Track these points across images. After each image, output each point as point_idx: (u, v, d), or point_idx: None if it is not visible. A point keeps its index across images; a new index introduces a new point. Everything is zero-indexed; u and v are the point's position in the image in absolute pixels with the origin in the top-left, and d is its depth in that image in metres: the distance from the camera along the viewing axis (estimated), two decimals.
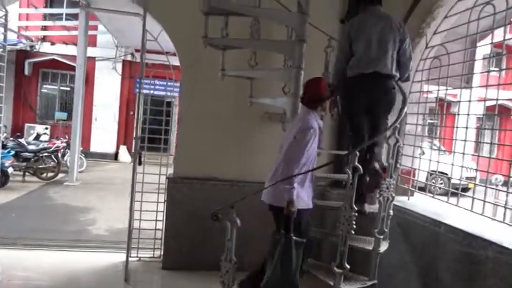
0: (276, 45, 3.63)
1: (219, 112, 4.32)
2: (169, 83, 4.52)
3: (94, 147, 15.40)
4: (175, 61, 4.38)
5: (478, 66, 11.81)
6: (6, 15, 4.28)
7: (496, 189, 6.22)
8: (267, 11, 3.52)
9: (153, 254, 4.49)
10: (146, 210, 4.32)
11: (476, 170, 3.67)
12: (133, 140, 3.87)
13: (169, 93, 4.74)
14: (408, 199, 3.97)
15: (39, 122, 15.23)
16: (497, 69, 13.50)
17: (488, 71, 3.49)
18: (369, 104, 3.25)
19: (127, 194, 4.28)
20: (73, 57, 12.14)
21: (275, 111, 4.17)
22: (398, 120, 2.98)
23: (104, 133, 15.45)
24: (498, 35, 3.31)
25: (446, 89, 3.66)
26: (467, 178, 10.59)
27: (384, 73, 3.21)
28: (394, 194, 3.03)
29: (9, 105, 15.15)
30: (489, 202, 3.05)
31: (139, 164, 3.84)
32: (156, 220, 4.39)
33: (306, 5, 3.30)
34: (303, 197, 2.97)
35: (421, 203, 3.81)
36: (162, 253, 4.40)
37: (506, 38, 3.15)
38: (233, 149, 4.37)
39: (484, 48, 3.27)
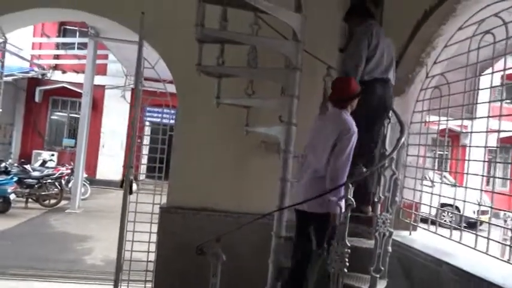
0: (270, 73, 3.56)
1: (214, 141, 4.23)
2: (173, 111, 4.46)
3: (100, 175, 15.39)
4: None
5: (485, 96, 11.67)
6: (5, 43, 4.30)
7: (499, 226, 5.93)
8: (262, 38, 3.47)
9: (145, 286, 4.31)
10: (138, 241, 4.18)
11: (491, 207, 3.48)
12: (127, 168, 3.77)
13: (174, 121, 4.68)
14: (410, 234, 3.78)
15: (47, 148, 15.35)
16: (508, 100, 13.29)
17: (490, 101, 3.37)
18: (377, 108, 3.39)
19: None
20: (83, 85, 12.32)
21: (272, 140, 4.07)
22: (394, 151, 2.85)
23: (111, 160, 15.47)
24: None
25: (447, 120, 3.53)
26: (479, 212, 10.33)
27: (391, 81, 3.48)
28: (391, 230, 2.85)
29: (18, 132, 15.36)
30: (493, 240, 2.85)
31: (130, 193, 3.73)
32: (148, 251, 4.24)
33: (301, 33, 3.24)
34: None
35: (423, 239, 3.62)
36: (153, 286, 4.23)
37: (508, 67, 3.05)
38: (228, 178, 4.25)
39: (489, 78, 3.13)
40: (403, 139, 2.98)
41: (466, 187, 3.34)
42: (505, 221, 6.58)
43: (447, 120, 3.54)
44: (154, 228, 4.23)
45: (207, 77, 3.74)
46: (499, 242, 2.85)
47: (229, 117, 4.11)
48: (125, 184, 3.66)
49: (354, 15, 3.74)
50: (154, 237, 4.23)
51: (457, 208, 10.47)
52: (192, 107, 4.20)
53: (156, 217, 4.26)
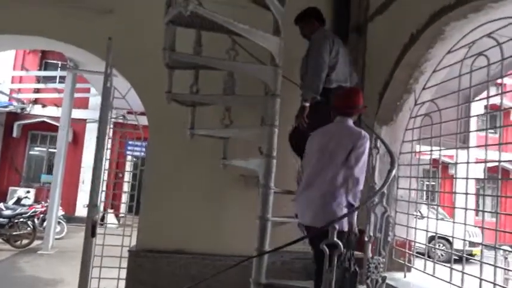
0: (246, 101, 3.29)
1: (188, 176, 3.89)
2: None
3: (79, 212, 14.72)
4: None
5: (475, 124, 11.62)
6: None
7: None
8: (238, 63, 3.22)
9: None
10: None
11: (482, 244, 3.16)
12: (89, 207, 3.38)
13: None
14: (405, 276, 3.42)
15: (24, 185, 14.70)
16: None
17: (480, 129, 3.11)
18: None
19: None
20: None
21: (252, 174, 3.74)
22: (385, 185, 2.54)
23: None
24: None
25: (440, 149, 3.26)
26: (470, 244, 9.98)
27: None
28: (384, 275, 2.51)
29: None
30: (487, 281, 2.52)
31: (93, 235, 3.32)
32: None
33: (280, 58, 2.99)
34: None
35: (419, 282, 3.26)
36: None
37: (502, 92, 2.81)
38: (205, 217, 3.88)
39: (480, 104, 2.92)
40: (394, 171, 2.68)
41: (453, 222, 3.07)
42: (506, 258, 5.98)
43: (440, 150, 3.26)
44: (123, 273, 3.80)
45: (181, 106, 3.47)
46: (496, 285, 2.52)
47: (204, 150, 3.80)
48: (86, 226, 3.26)
49: (312, 18, 3.49)
50: (122, 284, 3.80)
51: (448, 241, 10.22)
52: (164, 140, 3.88)
53: (124, 261, 3.84)
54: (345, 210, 2.47)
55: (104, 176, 4.66)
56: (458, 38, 3.03)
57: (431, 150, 3.34)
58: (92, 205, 3.31)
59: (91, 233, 3.30)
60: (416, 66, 3.38)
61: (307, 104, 3.10)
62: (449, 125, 3.21)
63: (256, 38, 2.94)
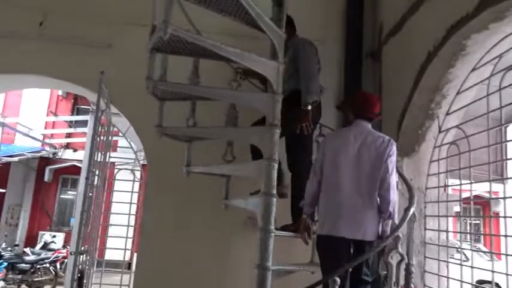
0: (241, 133, 2.95)
1: (189, 218, 3.55)
2: None
3: (108, 255, 14.53)
4: None
5: None
6: None
7: None
8: (229, 91, 2.94)
9: None
10: None
11: None
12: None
13: None
14: None
15: (55, 229, 14.77)
16: None
17: None
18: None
19: None
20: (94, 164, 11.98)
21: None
22: (400, 226, 2.10)
23: (120, 240, 14.69)
24: None
25: (471, 183, 2.78)
26: None
27: None
28: None
29: (26, 213, 14.96)
30: None
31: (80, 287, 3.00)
32: None
33: (278, 84, 2.68)
34: None
35: None
36: None
37: None
38: (208, 265, 3.49)
39: None
40: (412, 209, 2.24)
41: None
42: None
43: (470, 183, 2.79)
44: None
45: (180, 142, 3.20)
46: None
47: (205, 190, 3.47)
48: (72, 276, 2.95)
49: (288, 26, 3.05)
50: None
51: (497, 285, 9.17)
52: (162, 179, 3.59)
53: None
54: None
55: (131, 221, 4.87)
56: (482, 53, 2.63)
57: (460, 184, 2.86)
58: (78, 253, 3.00)
59: (77, 284, 2.98)
60: (437, 89, 2.98)
61: (310, 108, 2.99)
62: (480, 153, 2.75)
63: (250, 62, 2.64)
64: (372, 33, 4.03)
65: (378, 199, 2.45)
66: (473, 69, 2.75)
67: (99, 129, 3.48)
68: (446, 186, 3.12)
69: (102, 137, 3.59)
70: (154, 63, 2.64)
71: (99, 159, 3.50)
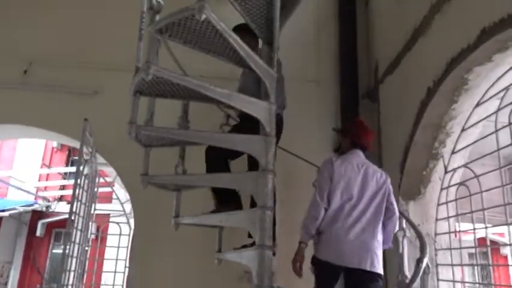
0: (234, 179, 2.73)
1: (180, 273, 3.25)
2: None
3: None
4: None
5: None
6: None
7: None
8: (215, 134, 2.74)
9: None
10: None
11: None
12: None
13: None
14: None
15: (46, 287, 14.11)
16: None
17: None
18: None
19: None
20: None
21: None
22: (415, 281, 1.85)
23: None
24: None
25: (486, 227, 2.53)
26: None
27: None
28: None
29: (16, 270, 14.35)
30: None
31: None
32: None
33: (270, 125, 2.50)
34: None
35: None
36: None
37: None
38: None
39: None
40: (425, 260, 1.99)
41: None
42: None
43: (485, 228, 2.54)
44: None
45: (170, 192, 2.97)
46: None
47: (197, 242, 3.21)
48: None
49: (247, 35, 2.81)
50: None
51: None
52: (149, 231, 3.33)
53: None
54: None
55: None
56: (486, 87, 2.48)
57: (474, 229, 2.61)
58: None
59: None
60: (440, 127, 2.81)
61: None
62: (492, 195, 2.53)
63: (240, 103, 2.48)
64: (368, 72, 3.93)
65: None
66: (478, 104, 2.59)
67: (83, 180, 3.27)
68: (457, 231, 2.86)
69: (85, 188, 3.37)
70: (139, 107, 2.48)
71: (81, 213, 3.26)
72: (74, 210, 3.13)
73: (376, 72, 3.73)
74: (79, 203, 3.20)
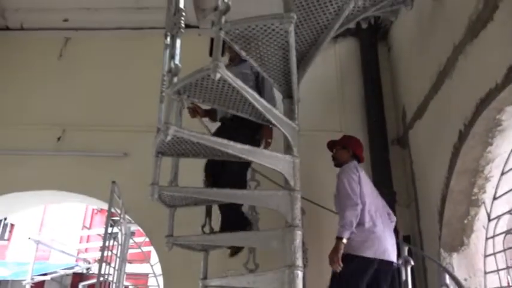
0: (261, 237, 2.63)
1: None
2: None
3: None
4: None
5: None
6: None
7: None
8: (238, 192, 2.66)
9: None
10: None
11: None
12: None
13: None
14: None
15: None
16: None
17: None
18: None
19: None
20: (130, 275, 11.55)
21: None
22: None
23: None
24: None
25: None
26: None
27: None
28: None
29: None
30: None
31: None
32: None
33: (295, 179, 2.42)
34: None
35: None
36: None
37: None
38: None
39: None
40: None
41: None
42: None
43: None
44: None
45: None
46: None
47: None
48: None
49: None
50: None
51: None
52: None
53: None
54: None
55: None
56: None
57: None
58: None
59: None
60: (477, 171, 2.63)
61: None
62: None
63: (262, 159, 2.42)
64: (395, 118, 3.84)
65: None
66: None
67: (112, 242, 3.26)
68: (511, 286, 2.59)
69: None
70: (161, 167, 2.48)
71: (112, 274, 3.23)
72: (102, 272, 3.11)
73: (404, 117, 3.63)
74: (108, 266, 3.17)
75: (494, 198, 2.65)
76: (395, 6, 2.86)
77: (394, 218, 2.88)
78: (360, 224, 2.62)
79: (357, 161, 2.92)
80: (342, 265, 2.53)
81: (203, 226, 2.95)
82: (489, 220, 2.70)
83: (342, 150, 2.97)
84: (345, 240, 2.55)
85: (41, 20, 4.49)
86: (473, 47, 2.44)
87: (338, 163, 2.97)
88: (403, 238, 3.43)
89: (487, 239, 2.73)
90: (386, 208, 2.87)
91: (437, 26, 2.95)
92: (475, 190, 2.70)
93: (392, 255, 2.64)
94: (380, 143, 3.74)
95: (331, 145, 3.09)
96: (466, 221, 2.81)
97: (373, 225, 2.65)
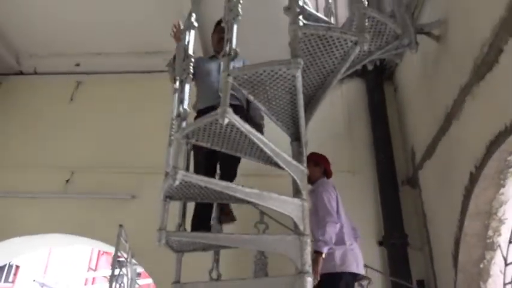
0: (271, 284, 2.55)
1: None
2: None
3: None
4: None
5: None
6: None
7: None
8: (246, 237, 2.61)
9: None
10: None
11: None
12: None
13: None
14: None
15: None
16: None
17: None
18: None
19: None
20: None
21: None
22: None
23: None
24: None
25: None
26: None
27: None
28: None
29: None
30: None
31: None
32: None
33: (304, 224, 2.37)
34: None
35: None
36: None
37: None
38: None
39: None
40: None
41: None
42: None
43: None
44: None
45: None
46: None
47: None
48: None
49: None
50: None
51: None
52: None
53: None
54: None
55: None
56: None
57: None
58: None
59: None
60: (491, 214, 2.57)
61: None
62: None
63: (271, 202, 2.39)
64: (404, 158, 3.82)
65: None
66: None
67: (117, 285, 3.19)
68: None
69: None
70: (169, 212, 2.46)
71: None
72: None
73: (414, 157, 3.61)
74: None
75: (510, 242, 2.58)
76: (400, 49, 2.91)
77: (359, 233, 2.95)
78: (342, 242, 2.73)
79: (326, 176, 3.03)
80: (319, 279, 2.58)
81: (211, 271, 2.89)
82: (506, 265, 2.60)
83: (315, 167, 3.00)
84: (324, 255, 2.61)
85: (54, 64, 4.62)
86: (480, 89, 2.44)
87: (311, 180, 2.96)
88: (417, 283, 3.33)
89: (504, 284, 2.63)
90: (352, 223, 2.94)
91: (442, 67, 2.98)
92: (490, 233, 2.63)
93: (361, 269, 2.78)
94: (390, 183, 3.70)
95: None
96: (482, 265, 2.72)
97: (351, 243, 2.78)
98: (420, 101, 3.52)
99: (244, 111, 3.10)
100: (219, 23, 3.14)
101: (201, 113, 3.02)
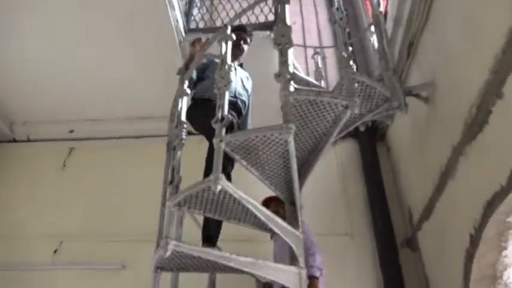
0: None
1: None
2: None
3: None
4: None
5: None
6: None
7: None
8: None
9: None
10: None
11: None
12: None
13: None
14: None
15: None
16: None
17: None
18: None
19: None
20: None
21: None
22: None
23: None
24: None
25: None
26: None
27: None
28: None
29: None
30: None
31: None
32: None
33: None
34: None
35: None
36: None
37: None
38: None
39: None
40: None
41: None
42: None
43: None
44: None
45: None
46: None
47: None
48: None
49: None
50: None
51: None
52: None
53: None
54: None
55: None
56: None
57: None
58: None
59: None
60: (495, 277, 2.47)
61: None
62: None
63: (267, 271, 2.32)
64: (402, 219, 3.74)
65: None
66: None
67: None
68: None
69: None
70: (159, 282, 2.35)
71: None
72: None
73: (411, 219, 3.54)
74: None
75: None
76: (390, 111, 2.95)
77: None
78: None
79: None
80: None
81: None
82: None
83: (282, 204, 2.90)
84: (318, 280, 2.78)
85: (47, 131, 4.63)
86: (472, 148, 2.45)
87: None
88: None
89: None
90: None
91: (433, 128, 3.01)
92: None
93: None
94: (389, 246, 3.59)
95: (268, 202, 3.14)
96: None
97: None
98: (414, 161, 3.51)
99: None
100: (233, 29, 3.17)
101: (197, 102, 3.07)
